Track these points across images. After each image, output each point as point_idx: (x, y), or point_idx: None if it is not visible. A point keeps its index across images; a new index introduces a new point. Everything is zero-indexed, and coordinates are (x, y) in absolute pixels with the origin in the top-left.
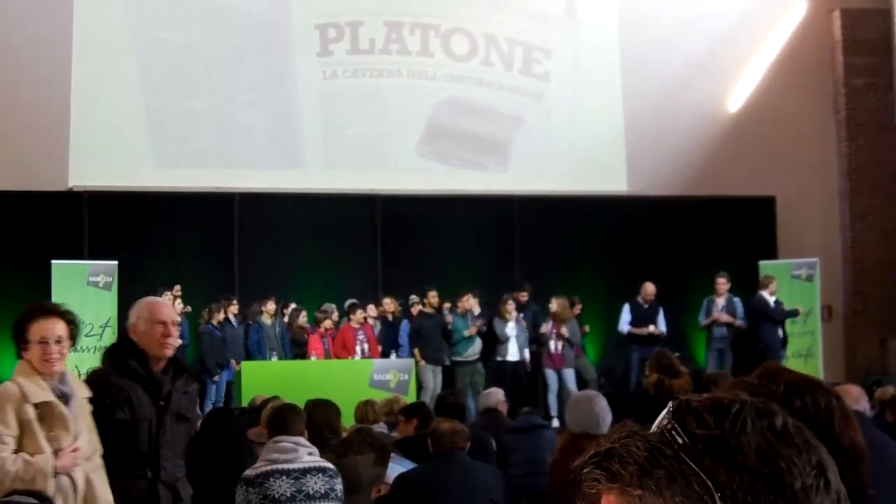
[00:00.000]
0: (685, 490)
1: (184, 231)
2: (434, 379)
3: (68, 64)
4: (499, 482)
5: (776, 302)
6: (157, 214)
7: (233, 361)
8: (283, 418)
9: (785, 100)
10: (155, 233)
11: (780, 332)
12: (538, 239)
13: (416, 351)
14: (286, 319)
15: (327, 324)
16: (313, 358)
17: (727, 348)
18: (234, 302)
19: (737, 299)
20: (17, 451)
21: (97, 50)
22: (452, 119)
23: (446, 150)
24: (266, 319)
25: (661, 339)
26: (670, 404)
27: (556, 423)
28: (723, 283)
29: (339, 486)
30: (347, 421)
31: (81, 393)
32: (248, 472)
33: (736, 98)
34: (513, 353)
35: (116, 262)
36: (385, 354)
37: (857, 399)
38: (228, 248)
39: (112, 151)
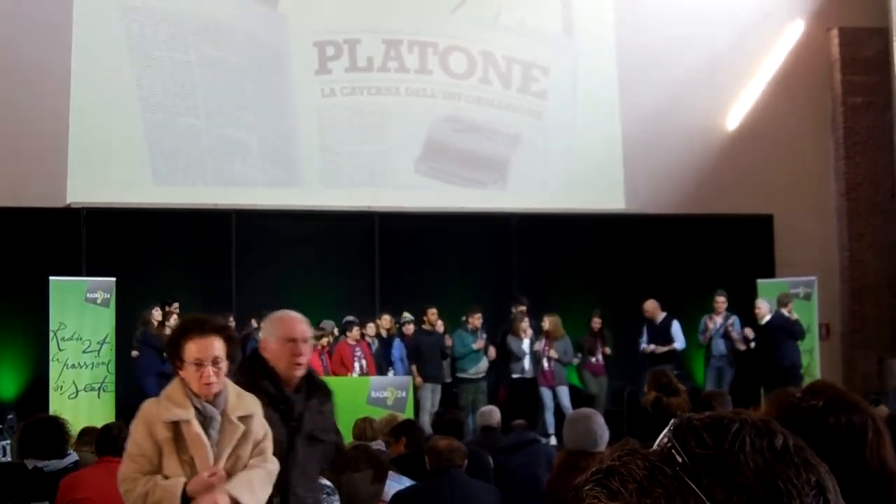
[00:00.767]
0: None
1: (182, 247)
2: (433, 397)
3: (67, 81)
4: (496, 500)
5: (794, 321)
6: (155, 231)
7: None
8: None
9: (783, 118)
10: (153, 249)
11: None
12: (536, 257)
13: (413, 369)
14: None
15: (324, 341)
16: None
17: (726, 366)
18: (231, 319)
19: (734, 318)
20: (158, 472)
21: (95, 67)
22: (450, 137)
23: (444, 167)
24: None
25: (677, 354)
26: (672, 423)
27: (553, 440)
28: (721, 302)
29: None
30: (345, 438)
31: (236, 412)
32: None
33: (734, 116)
34: (528, 370)
35: (114, 279)
36: (382, 372)
37: None
38: (226, 264)
39: (110, 168)
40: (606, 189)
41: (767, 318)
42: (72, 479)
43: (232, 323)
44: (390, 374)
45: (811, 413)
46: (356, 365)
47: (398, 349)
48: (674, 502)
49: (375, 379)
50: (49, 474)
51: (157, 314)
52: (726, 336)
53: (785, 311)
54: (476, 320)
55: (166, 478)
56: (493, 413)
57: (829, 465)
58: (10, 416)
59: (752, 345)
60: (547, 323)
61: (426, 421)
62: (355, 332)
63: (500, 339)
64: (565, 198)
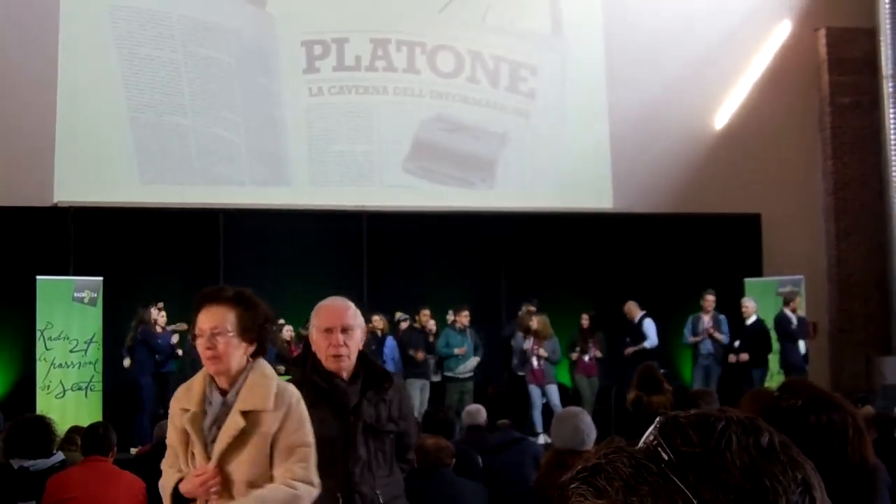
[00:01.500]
0: None
1: (169, 247)
2: (421, 395)
3: (53, 79)
4: (483, 499)
5: (799, 319)
6: (143, 230)
7: None
8: None
9: (771, 118)
10: (140, 249)
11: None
12: (524, 256)
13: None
14: (286, 336)
15: None
16: None
17: (714, 364)
18: None
19: (722, 316)
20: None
21: (82, 66)
22: (438, 136)
23: (432, 166)
24: None
25: (650, 353)
26: (657, 420)
27: (542, 438)
28: (710, 300)
29: None
30: None
31: (243, 405)
32: None
33: (722, 116)
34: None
35: (101, 278)
36: None
37: None
38: (214, 264)
39: (97, 167)
40: (594, 188)
41: (754, 317)
42: (58, 478)
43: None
44: None
45: (791, 412)
46: None
47: (390, 348)
48: (660, 500)
49: None
50: (35, 474)
51: (154, 313)
52: (711, 337)
53: (788, 311)
54: (464, 318)
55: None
56: (479, 412)
57: (813, 463)
58: None
59: (736, 344)
60: (535, 322)
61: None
62: None
63: (505, 337)
64: (553, 197)
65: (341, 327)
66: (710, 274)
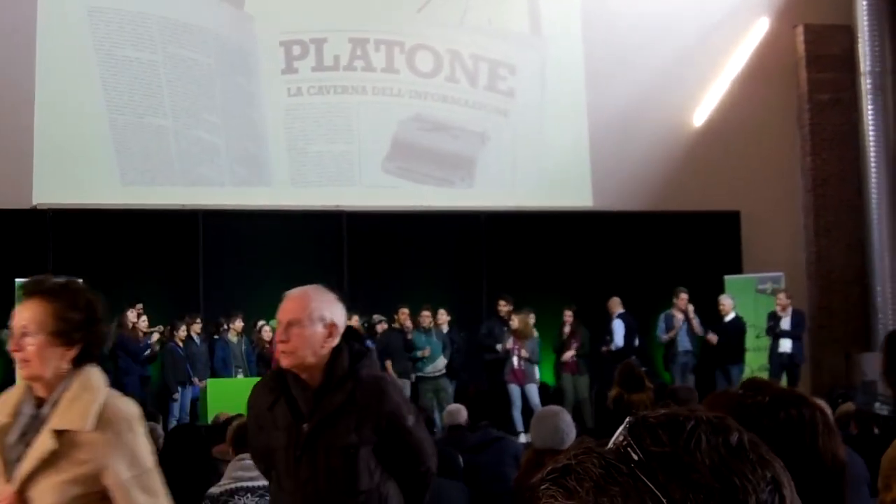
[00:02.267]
0: None
1: (149, 248)
2: None
3: (32, 81)
4: (464, 499)
5: (795, 313)
6: (122, 232)
7: (195, 379)
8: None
9: (749, 115)
10: (120, 250)
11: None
12: (504, 255)
13: (388, 365)
14: (265, 337)
15: None
16: None
17: (692, 360)
18: (198, 320)
19: (695, 314)
20: None
21: (61, 67)
22: (418, 135)
23: (412, 166)
24: (232, 336)
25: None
26: (627, 420)
27: (523, 438)
28: (684, 299)
29: None
30: None
31: (58, 423)
32: (213, 490)
33: (700, 113)
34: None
35: (81, 280)
36: None
37: None
38: (194, 265)
39: (76, 169)
40: (574, 186)
41: (732, 314)
42: None
43: (198, 324)
44: None
45: (759, 409)
46: None
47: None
48: (630, 500)
49: None
50: None
51: (131, 316)
52: (690, 330)
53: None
54: (426, 319)
55: None
56: (460, 412)
57: (783, 460)
58: None
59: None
60: (516, 321)
61: None
62: None
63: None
64: (533, 195)
65: (286, 322)
66: (689, 271)
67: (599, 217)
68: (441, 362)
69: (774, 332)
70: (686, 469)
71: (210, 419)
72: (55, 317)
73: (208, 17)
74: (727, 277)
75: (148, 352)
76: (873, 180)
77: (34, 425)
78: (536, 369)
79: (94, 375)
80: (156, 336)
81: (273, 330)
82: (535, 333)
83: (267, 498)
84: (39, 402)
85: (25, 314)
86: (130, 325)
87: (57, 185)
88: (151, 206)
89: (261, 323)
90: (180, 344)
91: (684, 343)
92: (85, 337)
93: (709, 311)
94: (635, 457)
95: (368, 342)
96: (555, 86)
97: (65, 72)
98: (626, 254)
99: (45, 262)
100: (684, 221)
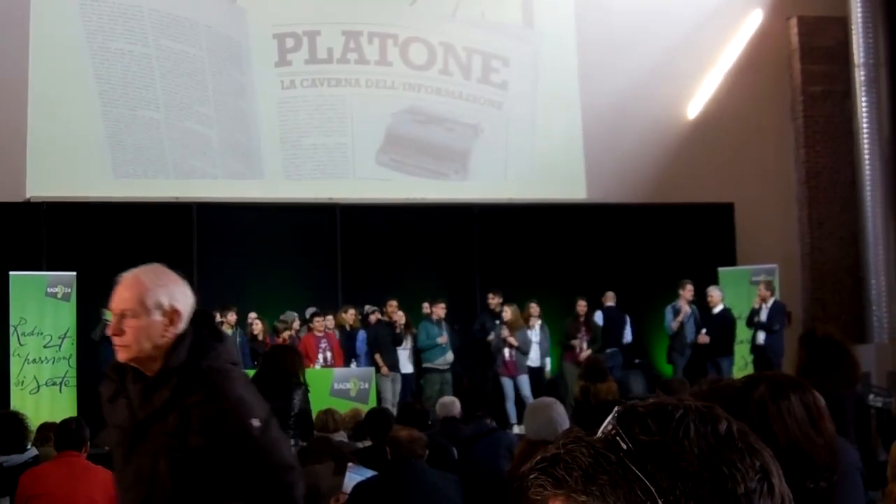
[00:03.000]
0: (628, 496)
1: (142, 241)
2: (393, 387)
3: (24, 74)
4: (458, 490)
5: (774, 305)
6: (116, 225)
7: None
8: None
9: (743, 107)
10: (113, 243)
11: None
12: (498, 247)
13: (378, 358)
14: (254, 330)
15: (286, 334)
16: None
17: (689, 352)
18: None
19: (693, 307)
20: None
21: (54, 61)
22: (411, 128)
23: (405, 158)
24: (227, 329)
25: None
26: (616, 409)
27: (516, 429)
28: (690, 290)
29: None
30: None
31: None
32: None
33: (694, 105)
34: (533, 359)
35: (75, 273)
36: (345, 364)
37: None
38: (187, 258)
39: (70, 162)
40: (568, 179)
41: (720, 306)
42: (31, 473)
43: None
44: (353, 365)
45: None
46: (320, 357)
47: (361, 341)
48: (619, 489)
49: (338, 370)
50: (8, 469)
51: None
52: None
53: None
54: (440, 310)
55: None
56: (453, 404)
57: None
58: None
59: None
60: (508, 313)
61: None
62: (318, 323)
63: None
64: (527, 188)
65: (119, 312)
66: (683, 263)
67: (593, 209)
68: (450, 355)
69: (753, 324)
70: (675, 458)
71: None
72: None
73: (201, 10)
74: (721, 269)
75: None
76: (867, 172)
77: None
78: (526, 360)
79: None
80: None
81: (264, 323)
82: (540, 322)
83: None
84: None
85: None
86: None
87: (50, 179)
88: (145, 199)
89: (252, 315)
90: None
91: (691, 334)
92: None
93: (702, 303)
94: (624, 446)
95: (361, 333)
96: (548, 78)
97: (57, 65)
98: (619, 246)
99: (38, 255)
100: (678, 213)
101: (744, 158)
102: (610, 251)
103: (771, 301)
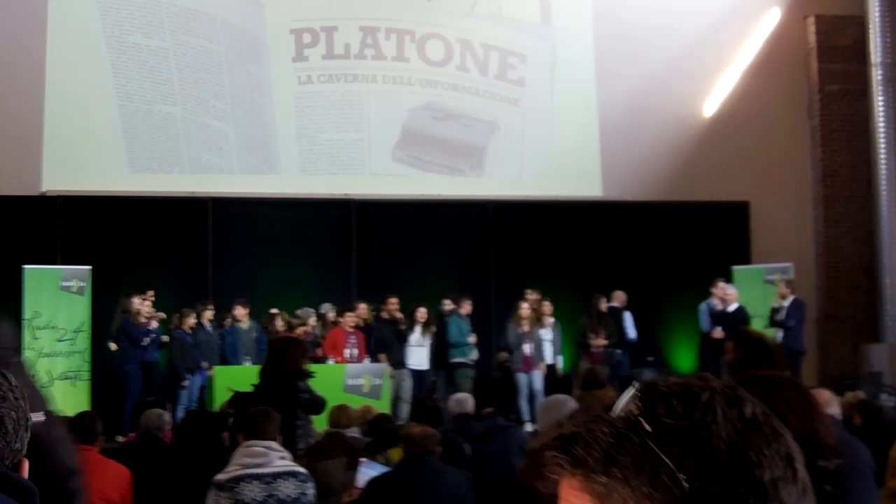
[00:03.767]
0: (653, 480)
1: (157, 236)
2: (403, 383)
3: (42, 69)
4: (470, 487)
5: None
6: (131, 219)
7: (204, 364)
8: (256, 422)
9: (759, 105)
10: (128, 237)
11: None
12: (513, 244)
13: (383, 357)
14: (278, 325)
15: (300, 330)
16: None
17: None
18: (210, 307)
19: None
20: None
21: (71, 55)
22: (428, 124)
23: (421, 155)
24: (243, 324)
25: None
26: (637, 387)
27: (528, 427)
28: (722, 287)
29: (310, 491)
30: (320, 426)
31: None
32: (219, 476)
33: (711, 104)
34: (547, 356)
35: (90, 267)
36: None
37: (827, 403)
38: (202, 252)
39: (85, 156)
40: (583, 176)
41: (735, 304)
42: None
43: (210, 311)
44: (366, 361)
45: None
46: (346, 352)
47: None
48: (643, 472)
49: (351, 366)
50: None
51: (137, 302)
52: None
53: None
54: (467, 306)
55: None
56: (466, 400)
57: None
58: None
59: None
60: (525, 308)
61: (405, 409)
62: (350, 318)
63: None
64: (542, 185)
65: None
66: (698, 262)
67: (609, 207)
68: (476, 352)
69: (775, 323)
70: (702, 443)
71: (217, 406)
72: None
73: (219, 5)
74: (735, 268)
75: (147, 338)
76: (883, 171)
77: None
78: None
79: None
80: (154, 323)
81: (285, 320)
82: (552, 320)
83: (274, 484)
84: None
85: None
86: (135, 310)
87: (66, 172)
88: (160, 194)
89: (273, 311)
90: (188, 331)
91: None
92: None
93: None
94: (648, 428)
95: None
96: (565, 75)
97: (74, 59)
98: (634, 244)
99: (53, 249)
100: (693, 211)
101: (760, 157)
102: (625, 249)
103: (791, 298)
